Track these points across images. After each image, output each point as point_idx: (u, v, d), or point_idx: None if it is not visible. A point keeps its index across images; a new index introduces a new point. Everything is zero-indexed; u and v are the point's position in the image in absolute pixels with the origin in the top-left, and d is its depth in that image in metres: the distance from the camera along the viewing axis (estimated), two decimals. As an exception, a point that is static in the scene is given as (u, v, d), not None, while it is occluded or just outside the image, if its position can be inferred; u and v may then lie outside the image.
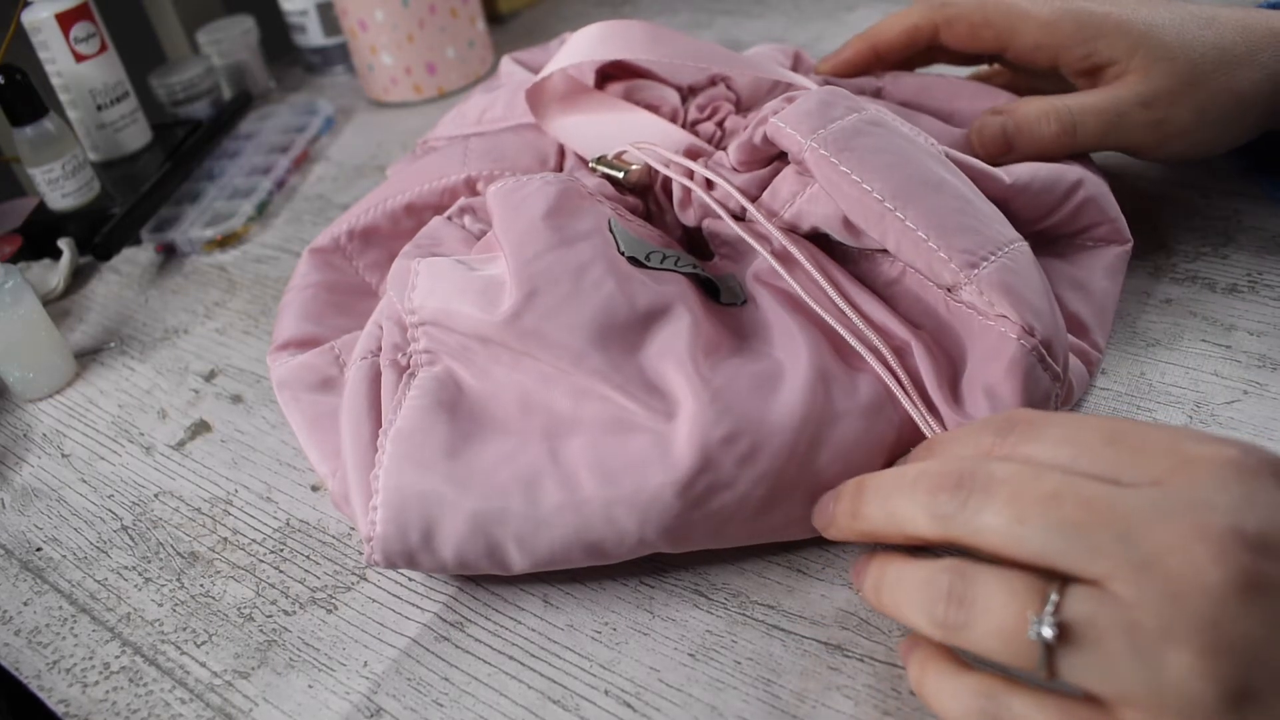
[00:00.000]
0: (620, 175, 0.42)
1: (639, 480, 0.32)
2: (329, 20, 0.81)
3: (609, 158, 0.43)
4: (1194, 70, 0.39)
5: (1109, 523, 0.23)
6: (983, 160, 0.39)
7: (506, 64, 0.55)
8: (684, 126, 0.45)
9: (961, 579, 0.25)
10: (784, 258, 0.37)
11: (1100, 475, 0.25)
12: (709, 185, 0.40)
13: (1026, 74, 0.47)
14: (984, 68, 0.52)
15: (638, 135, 0.43)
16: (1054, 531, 0.24)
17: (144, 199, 0.62)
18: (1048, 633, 0.23)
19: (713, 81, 0.47)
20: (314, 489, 0.42)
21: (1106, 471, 0.25)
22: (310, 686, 0.34)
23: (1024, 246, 0.35)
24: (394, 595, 0.37)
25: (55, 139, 0.61)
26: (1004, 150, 0.41)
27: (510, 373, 0.35)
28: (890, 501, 0.28)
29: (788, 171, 0.39)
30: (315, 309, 0.44)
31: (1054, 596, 0.23)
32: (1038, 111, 0.40)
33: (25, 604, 0.40)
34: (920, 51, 0.47)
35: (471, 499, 0.33)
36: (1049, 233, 0.40)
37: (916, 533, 0.27)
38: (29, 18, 0.63)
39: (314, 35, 0.82)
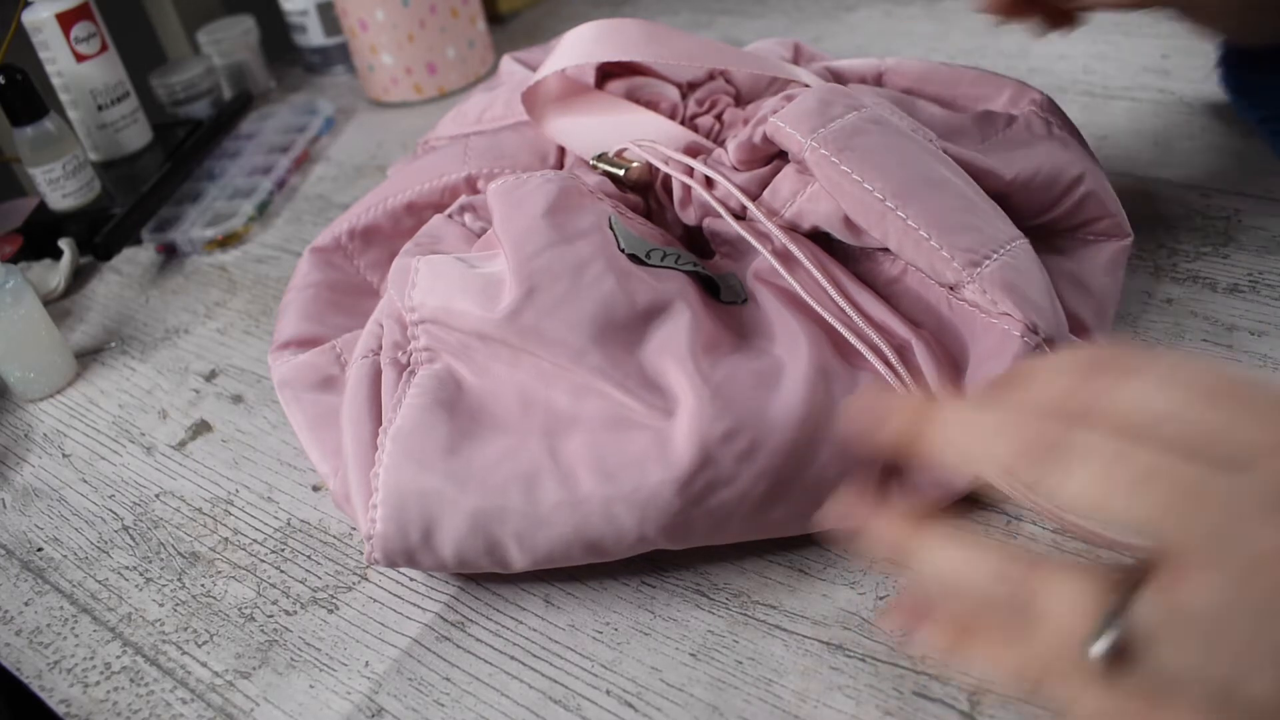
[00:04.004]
0: (621, 173, 0.42)
1: (638, 477, 0.32)
2: (329, 20, 0.81)
3: (609, 155, 0.43)
4: None
5: (1204, 513, 0.20)
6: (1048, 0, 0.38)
7: (507, 63, 0.55)
8: (683, 122, 0.44)
9: (1023, 591, 0.23)
10: (785, 256, 0.37)
11: (1196, 441, 0.22)
12: (709, 183, 0.40)
13: None
14: None
15: (636, 134, 0.43)
16: (1144, 517, 0.21)
17: (144, 199, 0.62)
18: (1102, 648, 0.21)
19: (711, 75, 0.47)
20: (315, 489, 0.42)
21: (1204, 436, 0.21)
22: (311, 686, 0.34)
23: (1025, 244, 0.35)
24: (395, 595, 0.37)
25: (56, 139, 0.61)
26: None
27: (510, 370, 0.35)
28: (964, 442, 0.24)
29: (788, 170, 0.39)
30: (316, 308, 0.44)
31: (1121, 600, 0.21)
32: None
33: (26, 604, 0.40)
34: None
35: (471, 497, 0.32)
36: (1050, 227, 0.40)
37: (985, 479, 0.24)
38: (30, 18, 0.63)
39: (314, 35, 0.82)
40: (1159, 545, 0.21)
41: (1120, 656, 0.21)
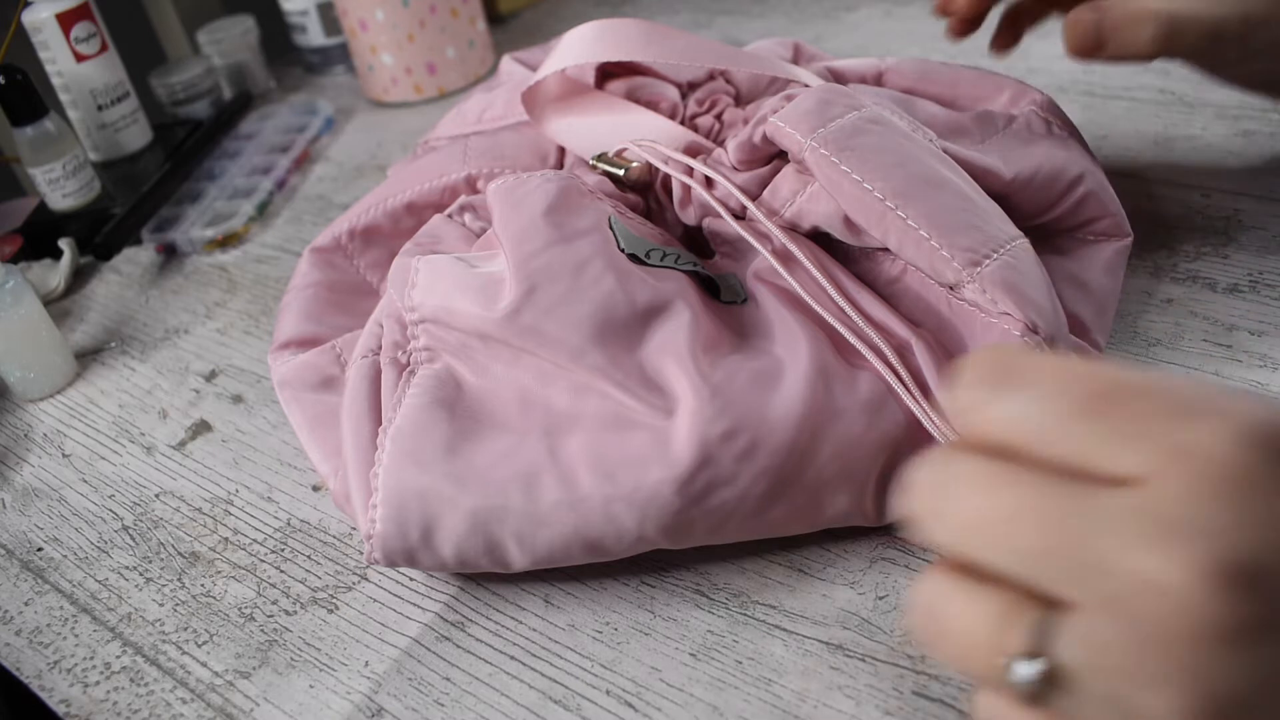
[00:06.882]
0: (620, 173, 0.42)
1: (638, 477, 0.32)
2: (329, 20, 0.81)
3: (609, 155, 0.43)
4: None
5: (1078, 550, 0.20)
6: (1071, 55, 0.39)
7: (506, 63, 0.55)
8: (683, 122, 0.44)
9: (936, 601, 0.22)
10: (784, 256, 0.37)
11: (1073, 459, 0.21)
12: (709, 183, 0.40)
13: None
14: None
15: (636, 134, 0.43)
16: (1018, 559, 0.21)
17: (144, 199, 0.62)
18: (1026, 676, 0.20)
19: (711, 75, 0.47)
20: (315, 489, 0.42)
21: (1082, 453, 0.21)
22: (311, 686, 0.34)
23: (1025, 244, 0.35)
24: (395, 595, 0.37)
25: (56, 139, 0.61)
26: (1094, 48, 0.39)
27: (510, 370, 0.35)
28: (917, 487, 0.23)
29: (788, 170, 0.39)
30: (316, 308, 0.44)
31: (1030, 632, 0.20)
32: (1137, 13, 0.38)
33: (26, 604, 0.40)
34: None
35: (471, 497, 0.33)
36: (1049, 227, 0.40)
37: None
38: (29, 18, 0.63)
39: (314, 35, 0.82)
40: (1040, 581, 0.20)
41: (1040, 684, 0.20)
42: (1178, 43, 0.38)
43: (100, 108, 0.66)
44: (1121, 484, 0.20)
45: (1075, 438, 0.21)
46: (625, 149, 0.43)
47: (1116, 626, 0.19)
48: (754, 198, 0.39)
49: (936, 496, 0.22)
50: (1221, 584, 0.18)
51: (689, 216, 0.41)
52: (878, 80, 0.46)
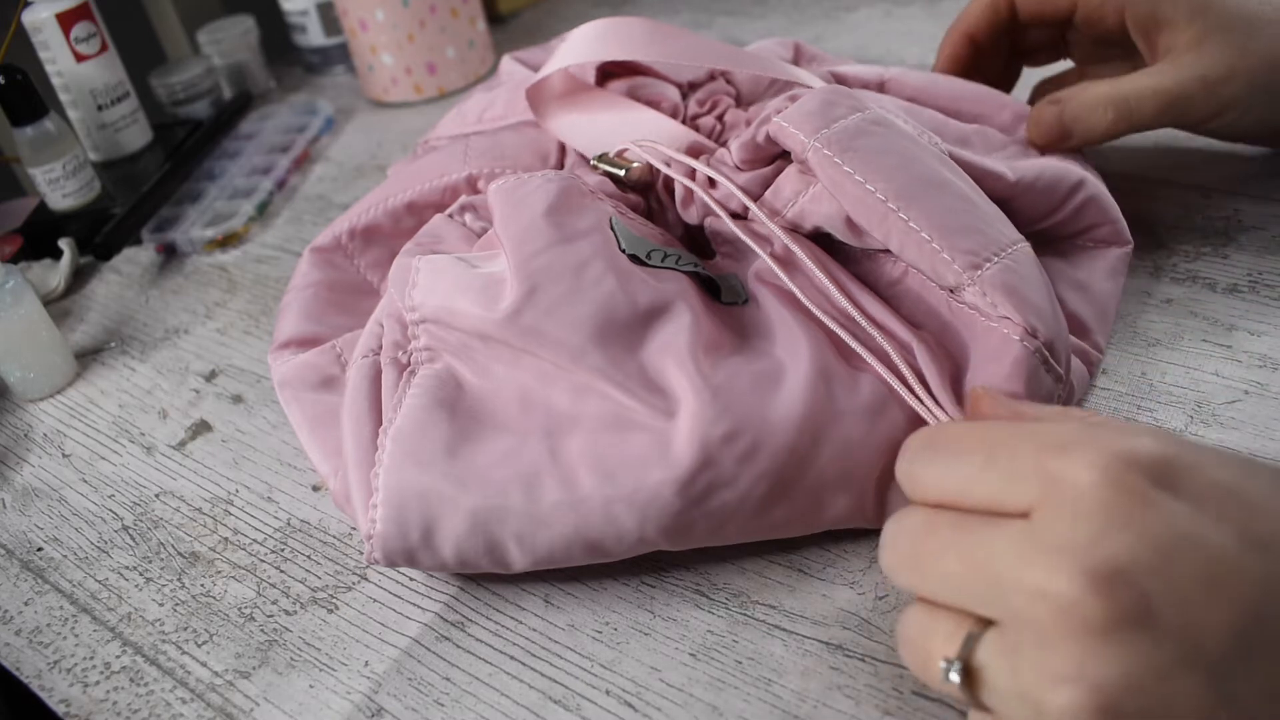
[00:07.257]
0: (622, 173, 0.42)
1: (638, 478, 0.32)
2: (329, 20, 0.81)
3: (610, 155, 0.43)
4: (1249, 42, 0.39)
5: (985, 574, 0.24)
6: (1040, 149, 0.41)
7: (507, 63, 0.55)
8: (684, 122, 0.45)
9: (900, 620, 0.27)
10: (786, 257, 0.37)
11: (985, 504, 0.25)
12: (711, 184, 0.40)
13: (1094, 60, 0.49)
14: (1054, 73, 0.52)
15: (639, 133, 0.43)
16: (946, 586, 0.25)
17: (144, 199, 0.62)
18: (954, 678, 0.25)
19: (712, 76, 0.47)
20: (315, 489, 0.42)
21: (989, 498, 0.25)
22: (311, 686, 0.34)
23: (1026, 247, 0.35)
24: (395, 595, 0.37)
25: (56, 139, 0.61)
26: (1061, 139, 0.42)
27: (510, 370, 0.35)
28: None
29: (790, 170, 0.39)
30: (316, 308, 0.44)
31: (962, 644, 0.25)
32: (1093, 100, 0.41)
33: (26, 604, 0.40)
34: (1003, 33, 0.48)
35: (471, 497, 0.33)
36: (1050, 233, 0.40)
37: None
38: (29, 18, 0.63)
39: (314, 35, 0.82)
40: (966, 603, 0.25)
41: (969, 682, 0.25)
42: (1139, 118, 0.41)
43: (100, 108, 0.66)
44: (1022, 516, 0.24)
45: (984, 486, 0.25)
46: (626, 149, 0.43)
47: (1020, 633, 0.23)
48: (756, 198, 0.39)
49: (892, 549, 0.27)
50: (1092, 584, 0.22)
51: (691, 216, 0.41)
52: (879, 89, 0.46)
